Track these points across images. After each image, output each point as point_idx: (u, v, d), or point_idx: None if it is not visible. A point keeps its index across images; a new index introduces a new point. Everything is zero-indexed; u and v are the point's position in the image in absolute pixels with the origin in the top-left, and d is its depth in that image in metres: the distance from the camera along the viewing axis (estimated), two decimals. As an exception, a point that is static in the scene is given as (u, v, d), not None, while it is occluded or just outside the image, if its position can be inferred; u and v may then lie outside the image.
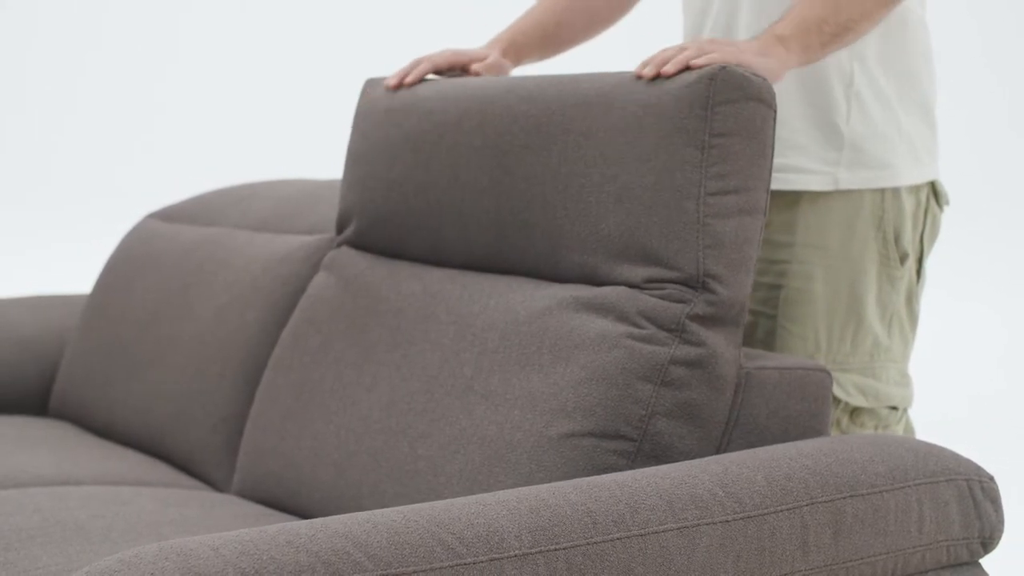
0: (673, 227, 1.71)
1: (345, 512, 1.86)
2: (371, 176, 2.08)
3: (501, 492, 1.44)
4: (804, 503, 1.52)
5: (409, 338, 1.90)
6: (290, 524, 1.33)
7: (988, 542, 1.69)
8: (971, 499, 1.67)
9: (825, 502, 1.54)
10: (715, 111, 1.71)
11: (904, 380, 2.04)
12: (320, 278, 2.14)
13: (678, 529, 1.43)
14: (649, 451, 1.65)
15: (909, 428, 2.09)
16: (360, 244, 2.13)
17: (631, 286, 1.74)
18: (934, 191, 2.06)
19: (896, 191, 1.99)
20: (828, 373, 1.78)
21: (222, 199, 2.62)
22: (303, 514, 1.94)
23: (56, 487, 2.05)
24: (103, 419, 2.47)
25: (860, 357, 1.98)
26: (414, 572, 1.29)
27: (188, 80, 6.62)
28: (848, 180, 1.97)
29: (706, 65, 1.75)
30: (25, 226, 6.48)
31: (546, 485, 1.46)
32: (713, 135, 1.70)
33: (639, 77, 1.79)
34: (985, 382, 5.70)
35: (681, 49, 1.78)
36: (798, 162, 1.98)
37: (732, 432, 1.70)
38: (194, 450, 2.22)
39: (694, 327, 1.68)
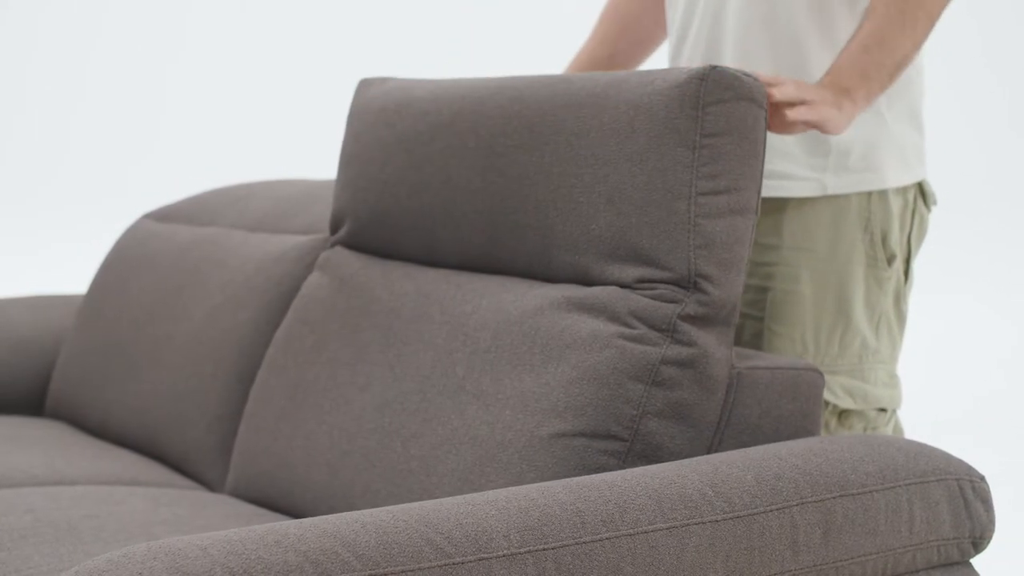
0: (664, 227, 1.71)
1: (338, 512, 1.86)
2: (364, 176, 2.08)
3: (490, 492, 1.44)
4: (794, 503, 1.52)
5: (402, 338, 1.91)
6: (279, 524, 1.33)
7: (979, 542, 1.69)
8: (962, 499, 1.67)
9: (815, 502, 1.54)
10: (706, 111, 1.71)
11: (893, 381, 2.04)
12: (314, 278, 2.14)
13: (667, 529, 1.43)
14: (640, 451, 1.65)
15: (898, 429, 2.09)
16: (354, 244, 2.13)
17: (622, 286, 1.74)
18: (921, 191, 2.05)
19: (883, 193, 1.99)
20: (819, 373, 1.78)
21: (218, 199, 2.62)
22: (296, 514, 1.94)
23: (49, 487, 2.05)
24: (98, 419, 2.47)
25: (848, 359, 1.98)
26: (402, 572, 1.29)
27: (190, 81, 6.62)
28: (835, 185, 1.97)
29: (808, 123, 1.76)
30: (27, 226, 6.48)
31: (535, 485, 1.46)
32: (704, 135, 1.70)
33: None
34: (986, 382, 5.69)
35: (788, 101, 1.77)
36: (785, 168, 1.98)
37: (724, 432, 1.70)
38: (188, 450, 2.22)
39: (685, 327, 1.68)
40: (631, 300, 1.71)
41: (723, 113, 1.71)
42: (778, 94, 1.76)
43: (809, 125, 1.78)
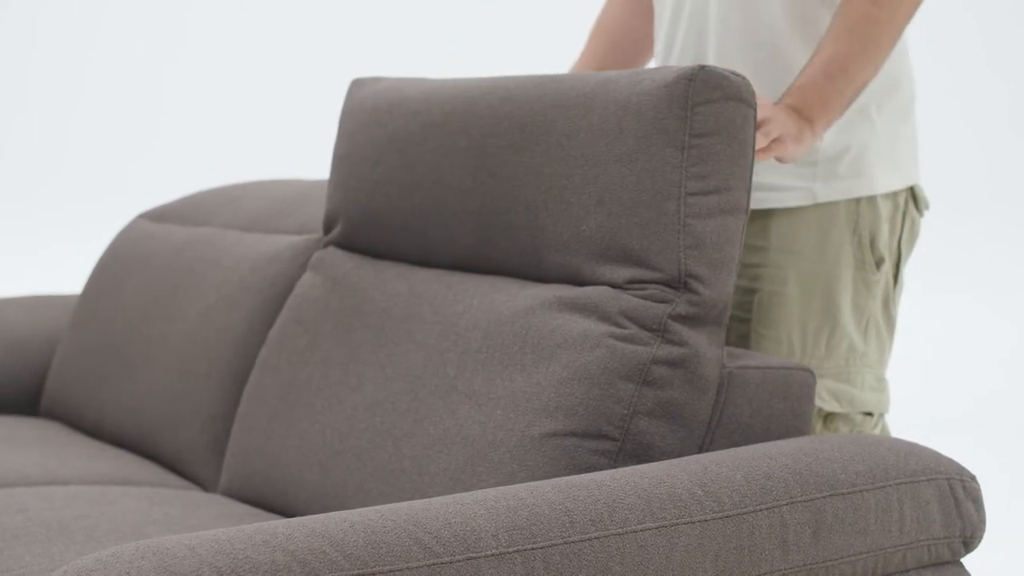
0: (654, 228, 1.71)
1: (331, 512, 1.86)
2: (356, 176, 2.08)
3: (480, 491, 1.44)
4: (784, 502, 1.52)
5: (394, 338, 1.91)
6: (267, 523, 1.33)
7: (970, 541, 1.69)
8: (952, 498, 1.67)
9: (805, 501, 1.54)
10: (695, 111, 1.70)
11: (880, 385, 2.03)
12: (307, 278, 2.14)
13: (656, 528, 1.43)
14: (631, 451, 1.65)
15: (885, 433, 2.08)
16: (346, 244, 2.14)
17: (613, 286, 1.74)
18: (913, 196, 2.05)
19: (872, 197, 1.99)
20: (811, 373, 1.78)
21: (212, 199, 2.62)
22: (289, 513, 1.94)
23: (42, 487, 2.05)
24: (93, 419, 2.47)
25: (835, 362, 1.97)
26: (390, 571, 1.29)
27: (189, 81, 6.62)
28: (825, 193, 1.96)
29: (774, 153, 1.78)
30: (27, 226, 6.49)
31: (525, 484, 1.46)
32: (693, 135, 1.70)
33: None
34: (985, 382, 5.69)
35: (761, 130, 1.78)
36: (773, 180, 1.97)
37: (715, 432, 1.70)
38: (182, 450, 2.22)
39: (676, 327, 1.68)
40: (622, 300, 1.71)
41: (712, 113, 1.71)
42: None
43: (769, 156, 1.79)
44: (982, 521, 1.70)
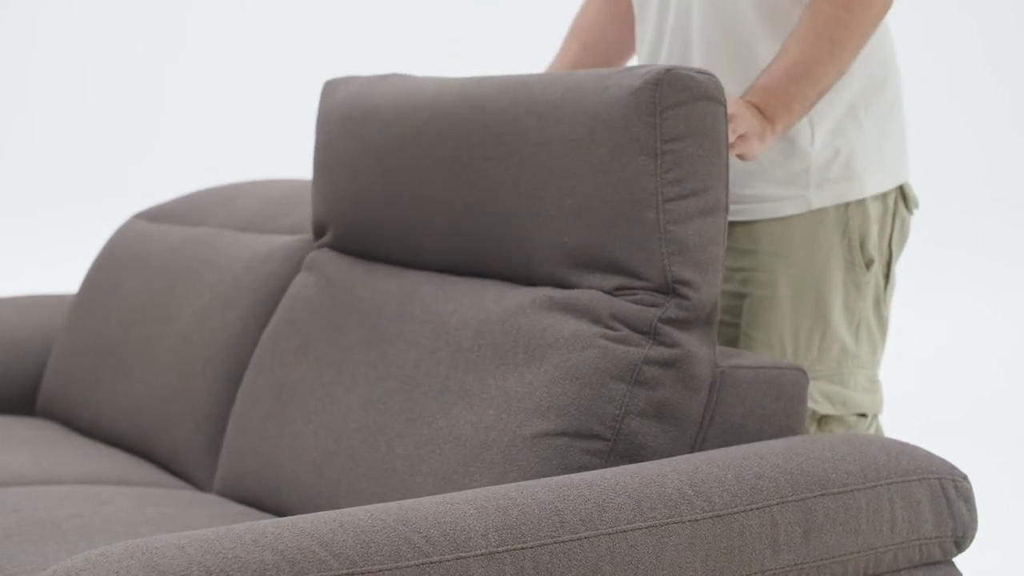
0: (636, 238, 1.69)
1: (324, 511, 1.86)
2: (338, 186, 2.07)
3: (470, 491, 1.44)
4: (774, 502, 1.52)
5: (385, 336, 1.91)
6: (257, 523, 1.33)
7: (961, 541, 1.69)
8: (944, 498, 1.67)
9: (795, 501, 1.54)
10: (664, 116, 1.68)
11: (873, 386, 2.03)
12: (301, 278, 2.14)
13: (646, 528, 1.43)
14: (623, 451, 1.65)
15: (879, 434, 2.08)
16: (337, 248, 2.14)
17: (603, 291, 1.74)
18: (903, 195, 2.04)
19: (861, 200, 1.98)
20: (804, 373, 1.77)
21: (208, 199, 2.63)
22: (283, 513, 1.94)
23: (36, 486, 2.05)
24: (89, 419, 2.47)
25: (827, 364, 1.97)
26: (380, 571, 1.29)
27: (190, 81, 6.63)
28: (819, 200, 1.96)
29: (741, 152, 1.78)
30: (27, 226, 6.49)
31: (515, 484, 1.46)
32: (664, 141, 1.68)
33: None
34: (985, 382, 5.69)
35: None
36: (765, 191, 1.96)
37: (707, 431, 1.70)
38: (177, 449, 2.22)
39: (667, 329, 1.68)
40: (612, 304, 1.70)
41: (682, 116, 1.69)
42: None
43: (732, 152, 1.78)
44: (974, 521, 1.70)
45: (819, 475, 1.57)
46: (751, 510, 1.50)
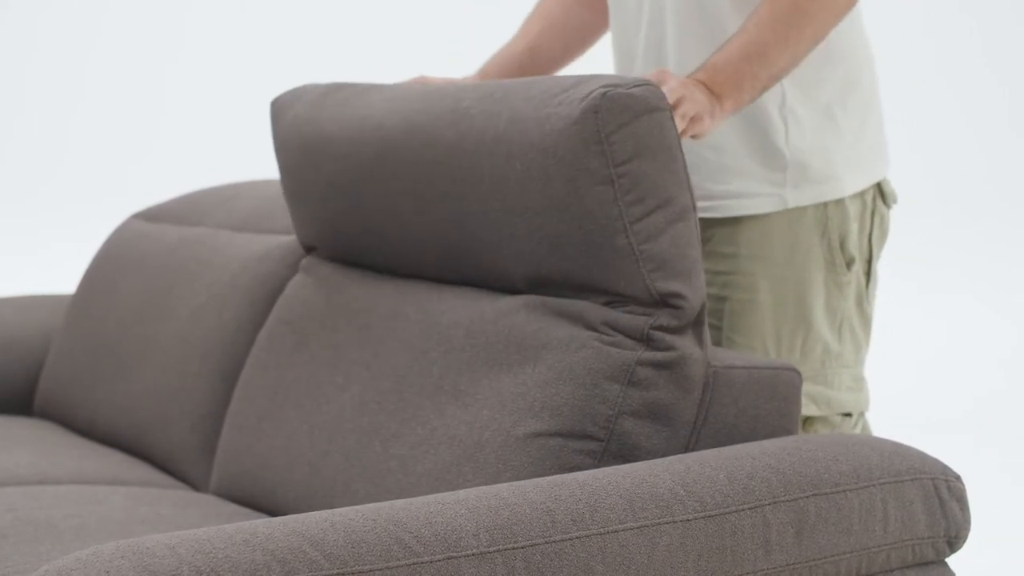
0: (612, 264, 1.68)
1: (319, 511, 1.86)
2: (313, 213, 2.07)
3: (462, 491, 1.44)
4: (766, 502, 1.52)
5: (378, 335, 1.91)
6: (248, 523, 1.33)
7: (954, 541, 1.69)
8: (937, 498, 1.67)
9: (788, 501, 1.53)
10: (611, 141, 1.66)
11: (858, 384, 2.02)
12: (298, 279, 2.15)
13: (638, 528, 1.43)
14: (616, 451, 1.65)
15: (867, 432, 2.07)
16: (329, 260, 2.14)
17: (594, 303, 1.73)
18: (880, 191, 2.03)
19: (840, 200, 1.97)
20: (797, 373, 1.77)
21: (206, 199, 2.63)
22: (278, 513, 1.94)
23: (32, 486, 2.06)
24: (87, 419, 2.47)
25: (810, 365, 1.96)
26: (370, 571, 1.29)
27: (190, 81, 6.63)
28: (795, 198, 1.95)
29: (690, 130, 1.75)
30: (27, 226, 6.49)
31: (507, 484, 1.46)
32: (617, 165, 1.66)
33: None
34: (985, 382, 5.69)
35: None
36: (742, 187, 1.95)
37: (700, 431, 1.70)
38: (174, 449, 2.23)
39: (660, 335, 1.67)
40: (605, 313, 1.70)
41: (628, 136, 1.66)
42: (668, 96, 1.72)
43: (686, 136, 1.77)
44: (967, 521, 1.70)
45: (811, 475, 1.57)
46: (743, 510, 1.50)
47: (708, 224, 1.98)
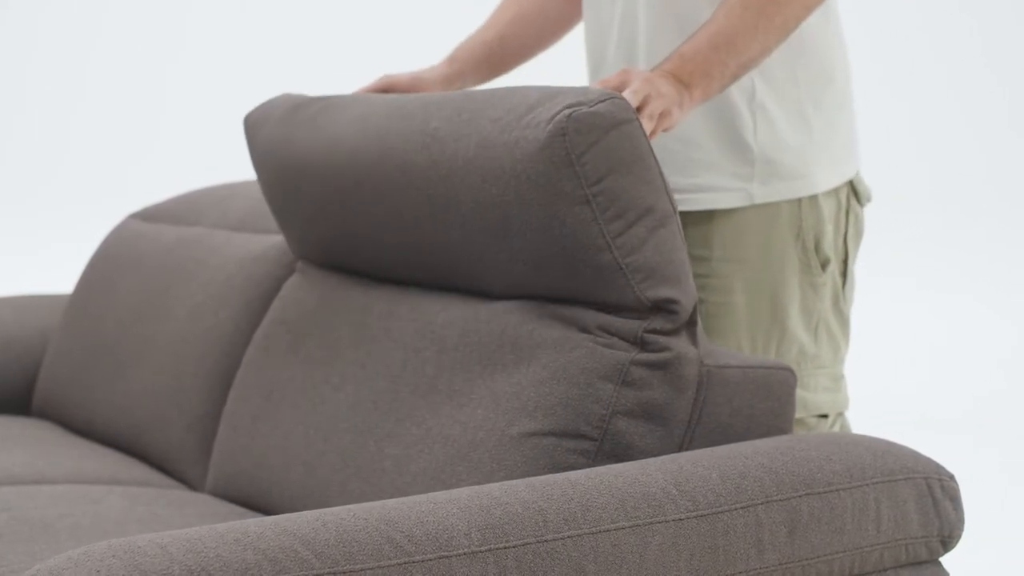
0: (599, 279, 1.68)
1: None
2: (300, 228, 2.07)
3: (454, 490, 1.44)
4: (759, 501, 1.52)
5: (373, 336, 1.91)
6: (240, 522, 1.33)
7: (948, 540, 1.69)
8: (930, 498, 1.67)
9: (780, 500, 1.53)
10: (582, 162, 1.65)
11: (836, 385, 2.01)
12: (294, 279, 2.15)
13: (630, 527, 1.43)
14: (610, 450, 1.65)
15: (845, 430, 2.07)
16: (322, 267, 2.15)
17: (588, 309, 1.73)
18: (854, 190, 2.03)
19: (813, 198, 1.96)
20: (792, 372, 1.77)
21: (203, 199, 2.63)
22: (273, 512, 1.94)
23: (28, 486, 2.06)
24: (84, 418, 2.48)
25: None
26: (362, 570, 1.29)
27: (190, 81, 6.63)
28: (763, 194, 1.94)
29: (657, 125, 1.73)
30: (27, 226, 6.50)
31: (499, 483, 1.46)
32: (591, 184, 1.65)
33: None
34: (986, 382, 5.69)
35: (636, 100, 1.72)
36: (710, 181, 1.94)
37: (694, 431, 1.70)
38: (170, 449, 2.23)
39: (653, 337, 1.67)
40: (599, 317, 1.70)
41: (599, 154, 1.65)
42: (632, 99, 1.71)
43: (657, 134, 1.76)
44: (960, 520, 1.70)
45: (804, 474, 1.57)
46: (736, 509, 1.50)
47: (682, 222, 1.96)
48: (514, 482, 1.46)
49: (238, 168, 6.53)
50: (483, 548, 1.35)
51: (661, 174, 1.70)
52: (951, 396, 5.51)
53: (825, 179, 1.97)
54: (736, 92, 1.93)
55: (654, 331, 1.67)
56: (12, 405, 2.73)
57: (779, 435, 1.75)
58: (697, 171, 1.95)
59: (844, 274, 2.01)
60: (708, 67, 1.79)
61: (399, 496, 1.75)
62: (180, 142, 6.60)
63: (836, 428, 2.03)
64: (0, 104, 6.61)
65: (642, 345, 1.67)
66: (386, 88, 2.13)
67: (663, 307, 1.67)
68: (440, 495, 1.41)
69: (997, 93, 6.38)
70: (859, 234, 2.03)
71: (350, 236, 1.97)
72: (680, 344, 1.68)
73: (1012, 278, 6.29)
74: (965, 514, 3.77)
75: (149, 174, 6.56)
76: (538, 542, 1.38)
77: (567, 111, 1.65)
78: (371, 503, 1.39)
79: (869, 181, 5.88)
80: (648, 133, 1.71)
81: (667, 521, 1.45)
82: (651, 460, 1.56)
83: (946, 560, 3.35)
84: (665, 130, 1.77)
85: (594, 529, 1.41)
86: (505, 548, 1.36)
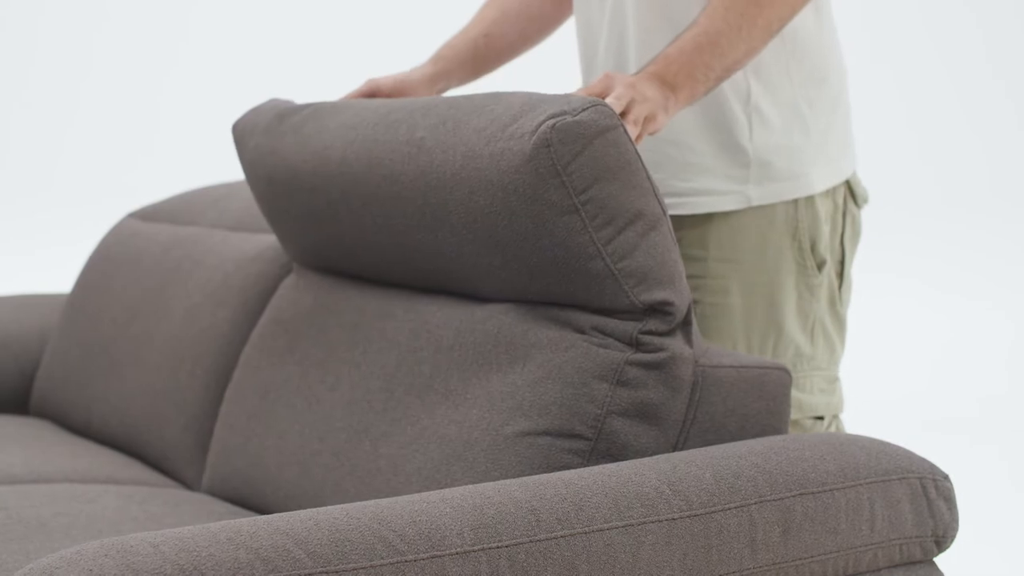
0: (593, 286, 1.68)
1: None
2: (294, 235, 2.07)
3: (447, 490, 1.44)
4: (752, 501, 1.52)
5: (368, 335, 1.91)
6: (233, 521, 1.33)
7: (942, 540, 1.69)
8: (924, 498, 1.66)
9: (774, 500, 1.53)
10: (568, 172, 1.64)
11: (831, 387, 2.01)
12: (290, 280, 2.15)
13: (623, 527, 1.43)
14: (605, 450, 1.65)
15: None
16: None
17: (582, 312, 1.73)
18: (851, 191, 2.02)
19: (810, 199, 1.95)
20: (787, 372, 1.76)
21: (200, 198, 2.63)
22: (269, 512, 1.95)
23: (24, 485, 2.06)
24: (82, 417, 2.48)
25: None
26: (354, 569, 1.30)
27: (189, 81, 6.63)
28: (760, 196, 1.93)
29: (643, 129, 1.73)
30: (25, 227, 6.50)
31: (492, 483, 1.46)
32: (579, 193, 1.64)
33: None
34: (988, 383, 5.68)
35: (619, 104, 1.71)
36: (706, 184, 1.94)
37: (689, 431, 1.70)
38: (167, 448, 2.23)
39: (649, 338, 1.67)
40: (594, 319, 1.70)
41: (585, 163, 1.64)
42: (615, 105, 1.70)
43: (642, 139, 1.75)
44: (955, 520, 1.69)
45: (798, 474, 1.57)
46: (729, 509, 1.50)
47: (677, 224, 1.96)
48: (507, 481, 1.46)
49: (236, 168, 6.53)
50: (476, 547, 1.35)
51: (649, 177, 1.69)
52: (954, 397, 5.51)
53: (821, 180, 1.96)
54: (732, 95, 1.93)
55: (649, 332, 1.67)
56: (9, 404, 2.73)
57: (774, 435, 1.75)
58: (693, 175, 1.94)
59: (841, 275, 2.00)
60: (692, 69, 1.78)
61: (394, 496, 1.75)
62: (178, 142, 6.60)
63: (832, 429, 2.02)
64: (0, 104, 6.61)
65: (637, 345, 1.67)
66: (371, 92, 2.12)
67: (657, 309, 1.67)
68: (433, 494, 1.41)
69: (999, 92, 6.38)
70: (856, 235, 2.03)
71: (343, 244, 1.97)
72: (675, 344, 1.68)
73: (1015, 278, 6.29)
74: (963, 515, 3.77)
75: (147, 174, 6.56)
76: (531, 541, 1.38)
77: (551, 121, 1.65)
78: (364, 502, 1.39)
79: (871, 181, 5.88)
80: (633, 138, 1.70)
81: (660, 521, 1.45)
82: (644, 460, 1.55)
83: (942, 560, 3.35)
84: (651, 134, 1.77)
85: (587, 528, 1.41)
86: (498, 547, 1.36)
